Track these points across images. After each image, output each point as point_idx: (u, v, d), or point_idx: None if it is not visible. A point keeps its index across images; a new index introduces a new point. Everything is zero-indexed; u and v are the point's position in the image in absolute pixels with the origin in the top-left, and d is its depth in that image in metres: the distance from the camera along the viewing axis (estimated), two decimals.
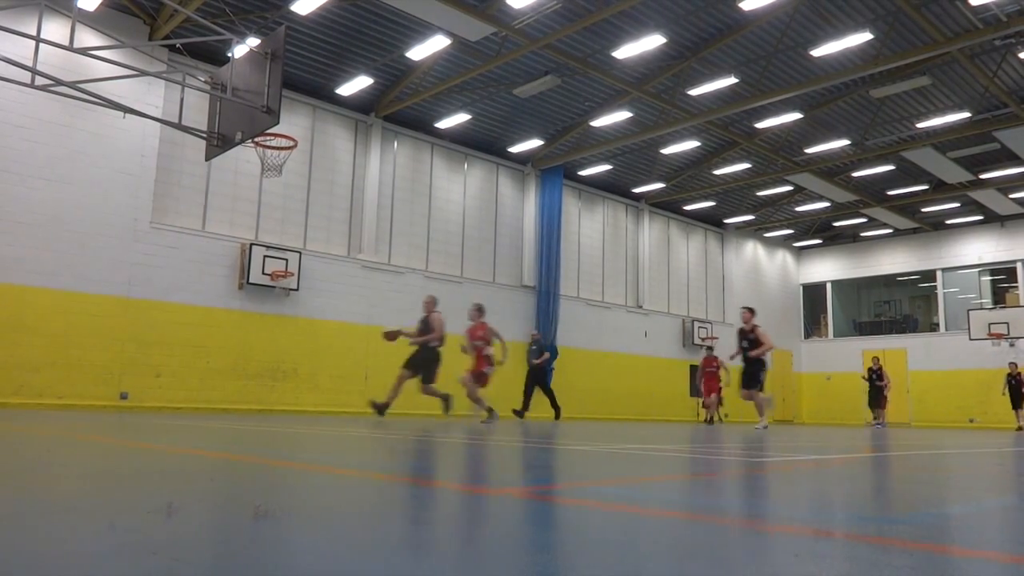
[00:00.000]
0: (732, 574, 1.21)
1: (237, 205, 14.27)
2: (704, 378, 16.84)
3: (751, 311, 12.09)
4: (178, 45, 10.83)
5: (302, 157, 14.81)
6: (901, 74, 14.88)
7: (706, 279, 24.19)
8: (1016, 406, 18.81)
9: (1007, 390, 18.86)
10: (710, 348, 18.04)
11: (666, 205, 22.58)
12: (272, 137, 10.48)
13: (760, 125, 16.99)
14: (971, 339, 21.98)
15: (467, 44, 13.37)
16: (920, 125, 16.86)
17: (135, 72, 10.06)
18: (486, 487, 2.47)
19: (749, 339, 11.75)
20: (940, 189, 20.76)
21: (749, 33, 13.87)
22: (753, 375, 11.66)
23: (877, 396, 19.35)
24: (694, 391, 21.30)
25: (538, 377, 14.80)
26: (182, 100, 9.90)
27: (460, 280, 17.38)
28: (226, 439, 4.78)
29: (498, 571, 1.16)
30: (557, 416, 14.66)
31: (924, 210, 23.11)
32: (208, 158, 10.08)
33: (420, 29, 12.99)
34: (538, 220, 19.00)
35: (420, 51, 13.37)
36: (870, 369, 19.66)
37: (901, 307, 27.00)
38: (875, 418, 19.44)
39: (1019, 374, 18.82)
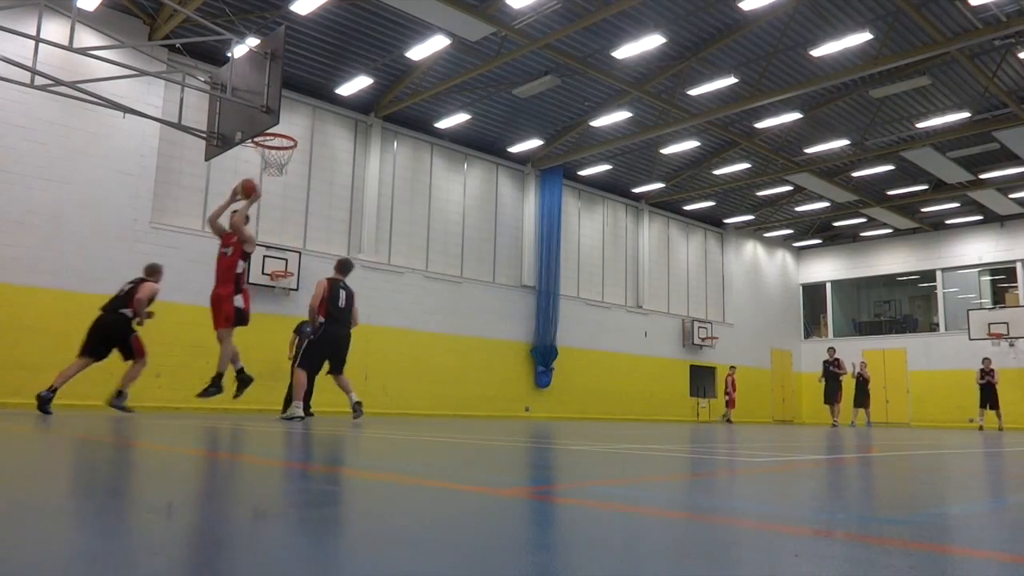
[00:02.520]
0: (732, 574, 1.21)
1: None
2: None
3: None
4: (178, 45, 10.84)
5: (302, 157, 14.79)
6: (901, 74, 14.88)
7: (706, 279, 24.19)
8: (985, 405, 18.08)
9: (978, 384, 18.25)
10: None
11: (666, 205, 22.58)
12: (272, 137, 10.48)
13: (760, 125, 16.99)
14: (971, 339, 21.99)
15: (467, 44, 13.37)
16: (920, 125, 16.86)
17: (135, 72, 10.07)
18: (487, 487, 2.47)
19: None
20: (940, 189, 20.76)
21: (749, 33, 13.87)
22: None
23: (835, 390, 18.06)
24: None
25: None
26: (182, 100, 9.92)
27: (460, 280, 17.38)
28: (225, 439, 4.78)
29: (499, 570, 1.16)
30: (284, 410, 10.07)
31: (924, 210, 23.11)
32: (208, 158, 10.09)
33: (420, 29, 12.99)
34: (538, 220, 19.00)
35: (420, 51, 13.37)
36: (826, 362, 18.31)
37: (901, 307, 27.01)
38: (834, 416, 18.03)
39: (993, 371, 18.25)
